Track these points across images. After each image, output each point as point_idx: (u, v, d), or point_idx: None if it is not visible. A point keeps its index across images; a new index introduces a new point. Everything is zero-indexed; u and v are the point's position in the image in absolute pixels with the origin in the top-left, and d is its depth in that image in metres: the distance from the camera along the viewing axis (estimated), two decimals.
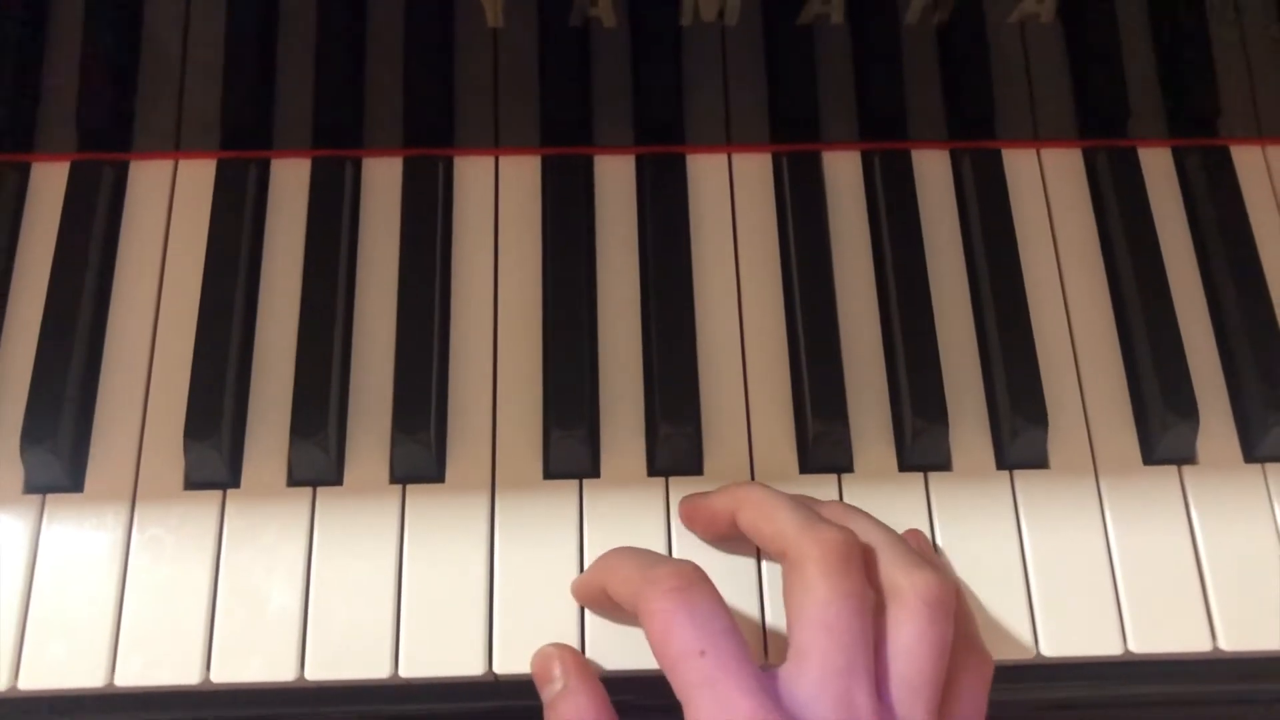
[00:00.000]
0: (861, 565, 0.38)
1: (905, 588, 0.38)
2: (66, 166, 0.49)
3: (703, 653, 0.36)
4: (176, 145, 0.49)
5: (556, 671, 0.40)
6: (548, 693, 0.40)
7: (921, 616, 0.37)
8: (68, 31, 0.48)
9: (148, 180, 0.49)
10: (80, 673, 0.41)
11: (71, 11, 0.47)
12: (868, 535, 0.40)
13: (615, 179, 0.50)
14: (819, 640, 0.36)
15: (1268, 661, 0.43)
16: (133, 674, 0.41)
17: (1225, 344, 0.47)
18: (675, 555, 0.43)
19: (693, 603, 0.37)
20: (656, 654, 0.37)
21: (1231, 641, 0.42)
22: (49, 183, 0.49)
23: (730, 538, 0.42)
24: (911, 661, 0.37)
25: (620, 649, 0.42)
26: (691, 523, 0.43)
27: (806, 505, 0.40)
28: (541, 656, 0.41)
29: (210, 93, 0.48)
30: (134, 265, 0.48)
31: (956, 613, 0.40)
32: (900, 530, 0.42)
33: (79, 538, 0.43)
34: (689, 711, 0.36)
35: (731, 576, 0.43)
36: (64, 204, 0.48)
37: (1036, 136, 0.51)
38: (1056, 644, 0.42)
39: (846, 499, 0.44)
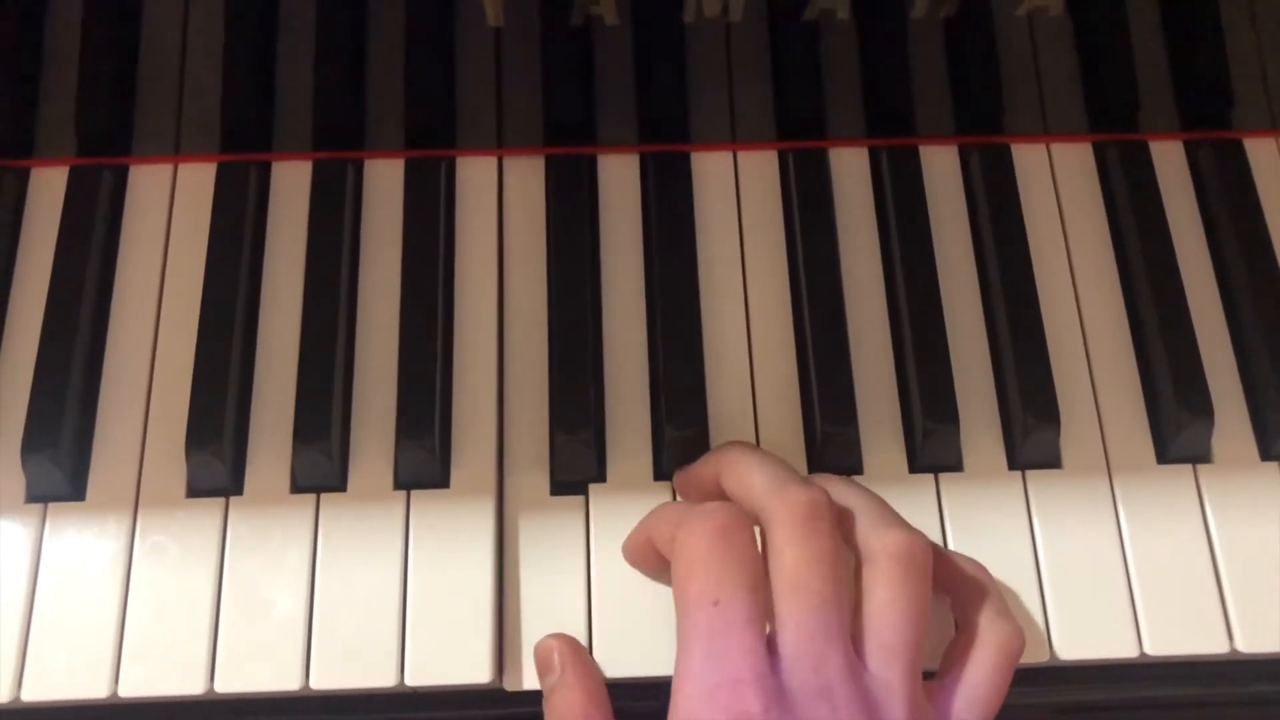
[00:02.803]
0: (832, 525, 0.37)
1: (876, 548, 0.37)
2: (66, 171, 0.48)
3: (716, 602, 0.35)
4: (176, 149, 0.49)
5: (555, 662, 0.40)
6: (546, 684, 0.40)
7: (893, 576, 0.37)
8: (67, 36, 0.47)
9: (147, 184, 0.49)
10: (84, 683, 0.41)
11: (70, 15, 0.47)
12: (845, 498, 0.39)
13: (620, 178, 0.49)
14: (791, 604, 0.36)
15: None
16: (136, 684, 0.41)
17: (1240, 340, 0.47)
18: None
19: (726, 548, 0.36)
20: (675, 590, 0.37)
21: (1249, 643, 0.42)
22: (48, 188, 0.48)
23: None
24: (886, 623, 0.36)
25: (628, 655, 0.41)
26: (686, 492, 0.43)
27: (781, 465, 0.40)
28: (542, 647, 0.41)
29: (210, 95, 0.48)
30: (134, 270, 0.47)
31: (977, 590, 0.40)
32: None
33: (81, 547, 0.43)
34: (682, 655, 0.36)
35: None
36: (63, 209, 0.48)
37: (1046, 131, 0.50)
38: (1071, 646, 0.42)
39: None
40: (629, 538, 0.42)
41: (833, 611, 0.36)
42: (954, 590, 0.40)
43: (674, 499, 0.44)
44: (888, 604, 0.37)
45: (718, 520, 0.37)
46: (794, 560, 0.36)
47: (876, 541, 0.37)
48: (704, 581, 0.36)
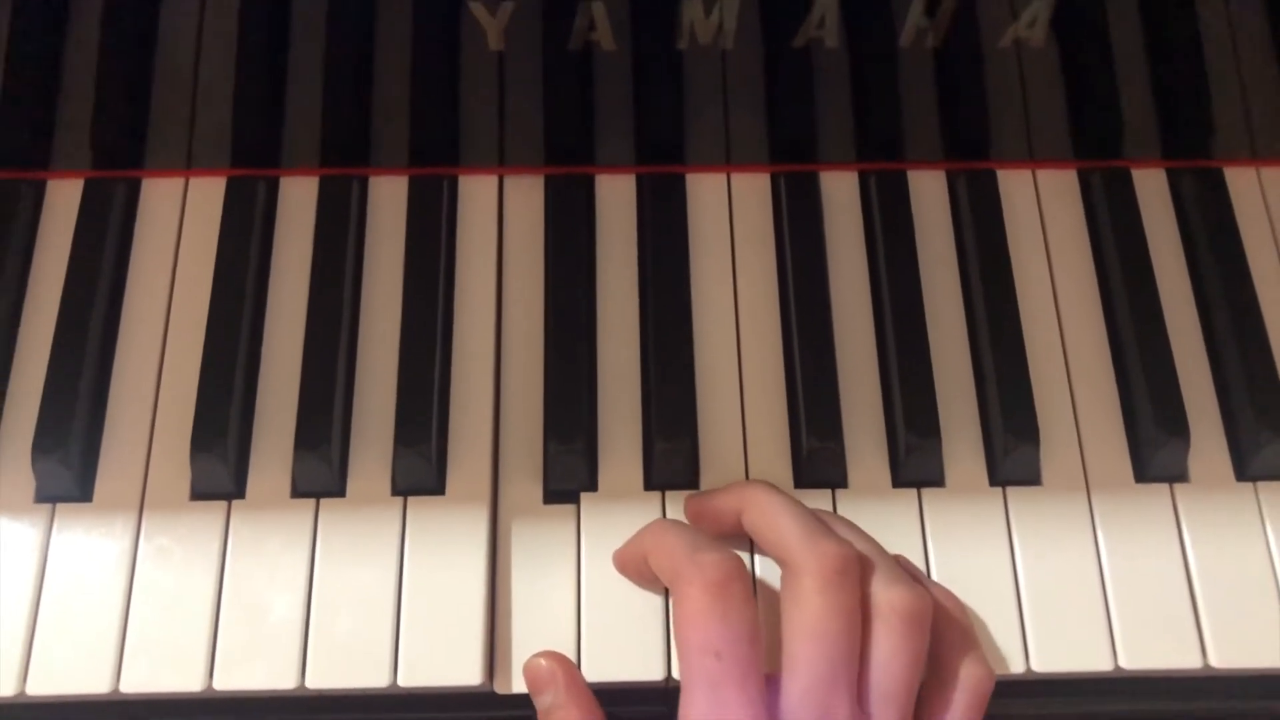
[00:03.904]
0: (856, 582, 0.39)
1: (883, 603, 0.39)
2: (80, 184, 0.50)
3: (719, 654, 0.37)
4: (188, 163, 0.50)
5: (549, 683, 0.41)
6: (541, 703, 0.41)
7: (897, 632, 0.39)
8: (83, 52, 0.49)
9: (159, 197, 0.50)
10: (86, 679, 0.42)
11: (87, 31, 0.48)
12: (858, 548, 0.40)
13: (616, 198, 0.51)
14: (808, 650, 0.38)
15: (1258, 679, 0.44)
16: (137, 680, 0.42)
17: (1217, 363, 0.48)
18: None
19: (727, 601, 0.38)
20: (676, 635, 0.38)
21: (1222, 659, 0.43)
22: (63, 199, 0.50)
23: (734, 535, 0.43)
24: (887, 673, 0.38)
25: (616, 660, 0.42)
26: (698, 521, 0.44)
27: (809, 513, 0.41)
28: (534, 666, 0.42)
29: (221, 112, 0.49)
30: (144, 280, 0.49)
31: (952, 628, 0.41)
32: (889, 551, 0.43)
33: (88, 546, 0.44)
34: (685, 702, 0.37)
35: None
36: (77, 220, 0.49)
37: (1031, 157, 0.51)
38: (1047, 660, 0.43)
39: (840, 514, 0.45)
40: (622, 549, 0.43)
41: (843, 663, 0.38)
42: (937, 631, 0.41)
43: (662, 510, 0.45)
44: (890, 656, 0.39)
45: (720, 574, 0.38)
46: (819, 610, 0.38)
47: (883, 597, 0.39)
48: (705, 634, 0.38)
